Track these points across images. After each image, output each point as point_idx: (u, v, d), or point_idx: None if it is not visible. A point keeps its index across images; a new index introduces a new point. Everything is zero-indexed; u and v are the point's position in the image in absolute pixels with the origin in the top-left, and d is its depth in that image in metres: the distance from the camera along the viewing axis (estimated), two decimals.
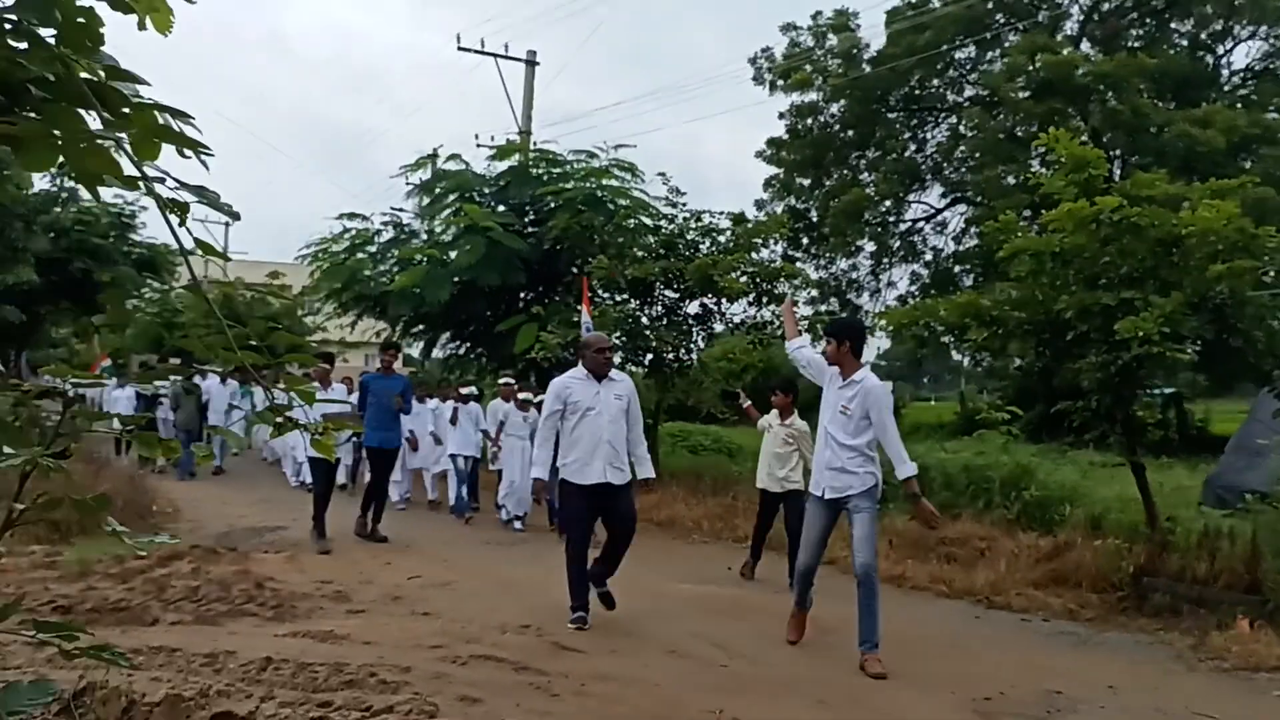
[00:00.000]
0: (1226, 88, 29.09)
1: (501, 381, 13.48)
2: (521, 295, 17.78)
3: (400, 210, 19.57)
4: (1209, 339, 8.06)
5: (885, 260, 32.31)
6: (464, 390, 13.92)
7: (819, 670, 6.58)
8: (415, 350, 23.76)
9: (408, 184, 18.97)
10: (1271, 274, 8.80)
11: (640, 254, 15.01)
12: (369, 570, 8.80)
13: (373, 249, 19.41)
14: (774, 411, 9.51)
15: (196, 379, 16.79)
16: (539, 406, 11.09)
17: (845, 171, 31.17)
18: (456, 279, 16.42)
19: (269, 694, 5.46)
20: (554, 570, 9.72)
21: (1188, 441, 25.32)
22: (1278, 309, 9.16)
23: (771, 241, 16.62)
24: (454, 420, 13.36)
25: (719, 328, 15.81)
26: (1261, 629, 7.55)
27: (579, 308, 13.77)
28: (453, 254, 16.82)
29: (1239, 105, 26.83)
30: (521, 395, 12.53)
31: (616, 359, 16.09)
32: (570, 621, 7.27)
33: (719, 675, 6.40)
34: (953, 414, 33.48)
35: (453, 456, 13.39)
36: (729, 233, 15.50)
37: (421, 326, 19.40)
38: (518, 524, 12.49)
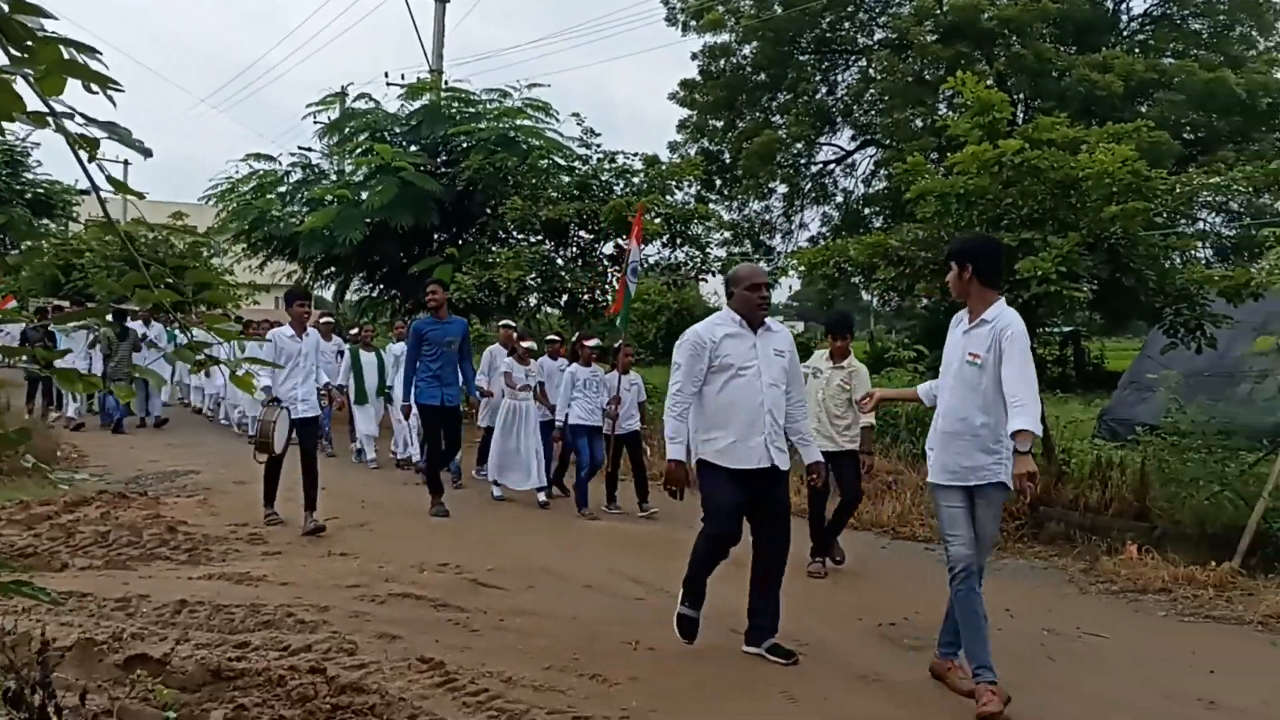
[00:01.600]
0: (1125, 33, 29.73)
1: (503, 324, 11.66)
2: (435, 236, 17.59)
3: (309, 150, 19.20)
4: (1104, 278, 8.37)
5: (797, 202, 32.57)
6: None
7: (735, 601, 6.76)
8: (328, 293, 23.38)
9: (316, 123, 18.57)
10: (1163, 216, 9.15)
11: (555, 195, 14.95)
12: (285, 512, 8.76)
13: (282, 189, 18.97)
14: (820, 354, 8.06)
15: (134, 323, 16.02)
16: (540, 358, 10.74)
17: (758, 114, 31.20)
18: (369, 220, 16.19)
19: (184, 636, 5.46)
20: (476, 511, 9.85)
21: (1084, 378, 26.26)
22: (1169, 249, 9.54)
23: (685, 183, 16.70)
24: None
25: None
26: (1148, 553, 7.97)
27: (626, 243, 11.94)
28: (364, 195, 16.54)
29: (1137, 51, 27.48)
30: (525, 344, 10.72)
31: (532, 300, 16.12)
32: (680, 630, 5.76)
33: (637, 609, 6.56)
34: (863, 353, 34.12)
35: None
36: (643, 175, 15.51)
37: (333, 269, 19.10)
38: (542, 496, 10.31)
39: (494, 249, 15.17)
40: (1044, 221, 8.74)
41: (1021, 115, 25.11)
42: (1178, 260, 9.97)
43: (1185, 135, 25.06)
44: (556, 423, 10.36)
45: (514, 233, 16.04)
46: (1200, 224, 21.41)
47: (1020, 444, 4.60)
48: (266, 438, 8.18)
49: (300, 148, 20.63)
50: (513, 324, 11.75)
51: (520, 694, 4.81)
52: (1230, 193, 9.72)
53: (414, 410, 10.60)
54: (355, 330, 14.07)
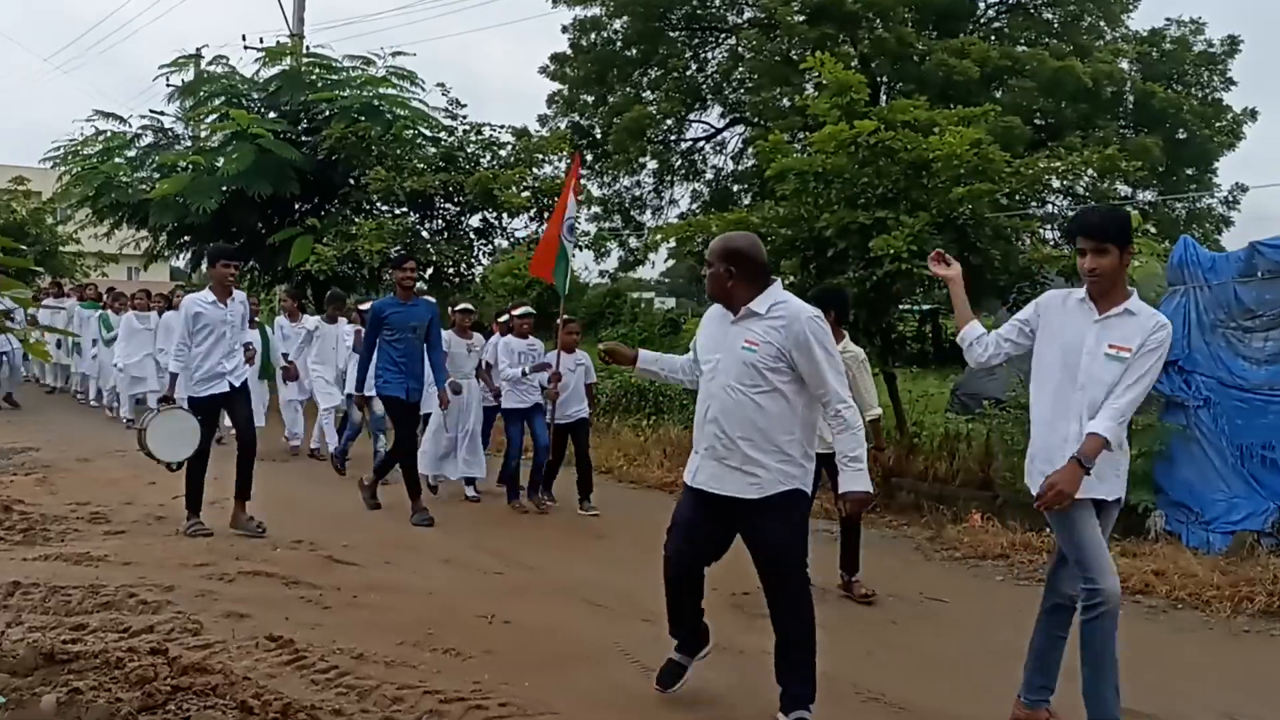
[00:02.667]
0: (982, 20, 30.72)
1: (461, 309, 9.55)
2: (295, 206, 17.08)
3: (161, 114, 18.34)
4: (953, 257, 8.66)
5: (667, 178, 32.75)
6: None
7: (593, 574, 6.84)
8: (181, 262, 22.48)
9: (169, 86, 17.77)
10: (1011, 198, 9.53)
11: (420, 166, 14.68)
12: (130, 490, 8.45)
13: (131, 154, 18.10)
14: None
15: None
16: (484, 332, 9.60)
17: (628, 89, 31.21)
18: (224, 188, 15.61)
19: (16, 619, 5.25)
20: (330, 488, 9.65)
21: (941, 354, 27.19)
22: (1017, 230, 9.94)
23: (555, 158, 16.61)
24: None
25: (501, 243, 15.75)
26: (990, 521, 8.33)
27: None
28: (219, 162, 15.93)
29: (993, 38, 28.46)
30: (461, 307, 9.51)
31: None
32: (658, 676, 4.75)
33: (494, 582, 6.56)
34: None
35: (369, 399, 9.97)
36: (510, 147, 15.36)
37: (187, 238, 18.34)
38: (471, 490, 9.48)
39: (357, 220, 14.81)
40: (897, 201, 9.00)
41: (884, 97, 25.75)
42: (1027, 241, 10.40)
43: (1036, 121, 26.08)
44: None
45: (377, 204, 15.70)
46: (1050, 207, 22.38)
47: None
48: (143, 447, 7.14)
49: (152, 110, 19.74)
50: (470, 308, 9.78)
51: (371, 670, 4.76)
52: (1074, 177, 10.16)
53: (344, 400, 10.71)
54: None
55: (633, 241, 31.04)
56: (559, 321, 9.18)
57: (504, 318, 9.72)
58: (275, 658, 4.88)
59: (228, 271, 7.53)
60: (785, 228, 9.54)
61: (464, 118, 15.78)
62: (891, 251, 8.14)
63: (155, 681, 4.44)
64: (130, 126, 18.14)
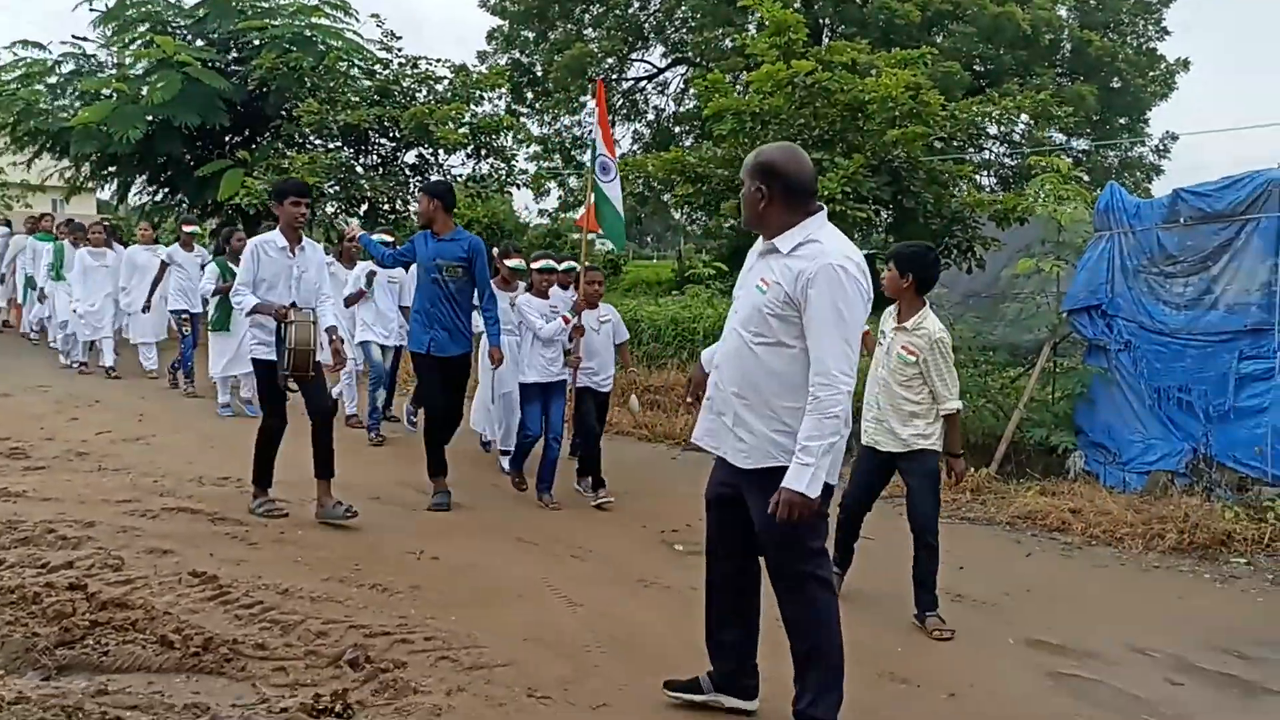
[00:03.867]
0: None
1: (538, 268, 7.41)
2: (225, 138, 16.62)
3: (83, 40, 17.66)
4: (887, 199, 8.73)
5: (609, 118, 32.46)
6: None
7: (522, 513, 6.85)
8: (106, 193, 21.82)
9: (91, 10, 17.09)
10: (946, 142, 9.60)
11: (354, 100, 14.35)
12: (52, 426, 8.27)
13: (52, 81, 17.44)
14: (890, 311, 5.24)
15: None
16: (528, 282, 7.46)
17: (570, 26, 30.75)
18: (150, 117, 15.11)
19: None
20: (253, 425, 9.51)
21: (880, 298, 27.37)
22: (955, 175, 10.01)
23: (494, 94, 16.34)
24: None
25: (436, 179, 15.47)
26: None
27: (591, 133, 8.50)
28: (144, 90, 15.41)
29: None
30: (511, 263, 7.93)
31: (329, 209, 15.53)
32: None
33: (423, 519, 6.55)
34: (670, 271, 34.63)
35: (364, 344, 9.28)
36: (447, 82, 15.07)
37: (113, 168, 17.78)
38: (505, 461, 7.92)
39: (289, 154, 14.45)
40: (833, 143, 9.02)
41: (826, 39, 25.66)
42: (963, 186, 10.49)
43: (975, 67, 26.18)
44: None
45: (310, 137, 15.33)
46: (986, 153, 22.60)
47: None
48: (306, 344, 6.02)
49: (75, 36, 18.99)
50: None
51: (296, 605, 4.74)
52: (1009, 123, 10.25)
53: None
54: (185, 230, 11.62)
55: (573, 181, 30.77)
56: (583, 268, 7.50)
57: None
58: (198, 593, 4.84)
59: (298, 211, 6.21)
60: (723, 168, 9.52)
61: (399, 50, 15.42)
62: (825, 193, 8.15)
63: (73, 617, 4.39)
64: (50, 53, 17.48)
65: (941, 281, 11.62)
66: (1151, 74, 27.56)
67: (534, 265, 7.35)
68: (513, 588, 5.24)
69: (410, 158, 15.27)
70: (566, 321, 7.09)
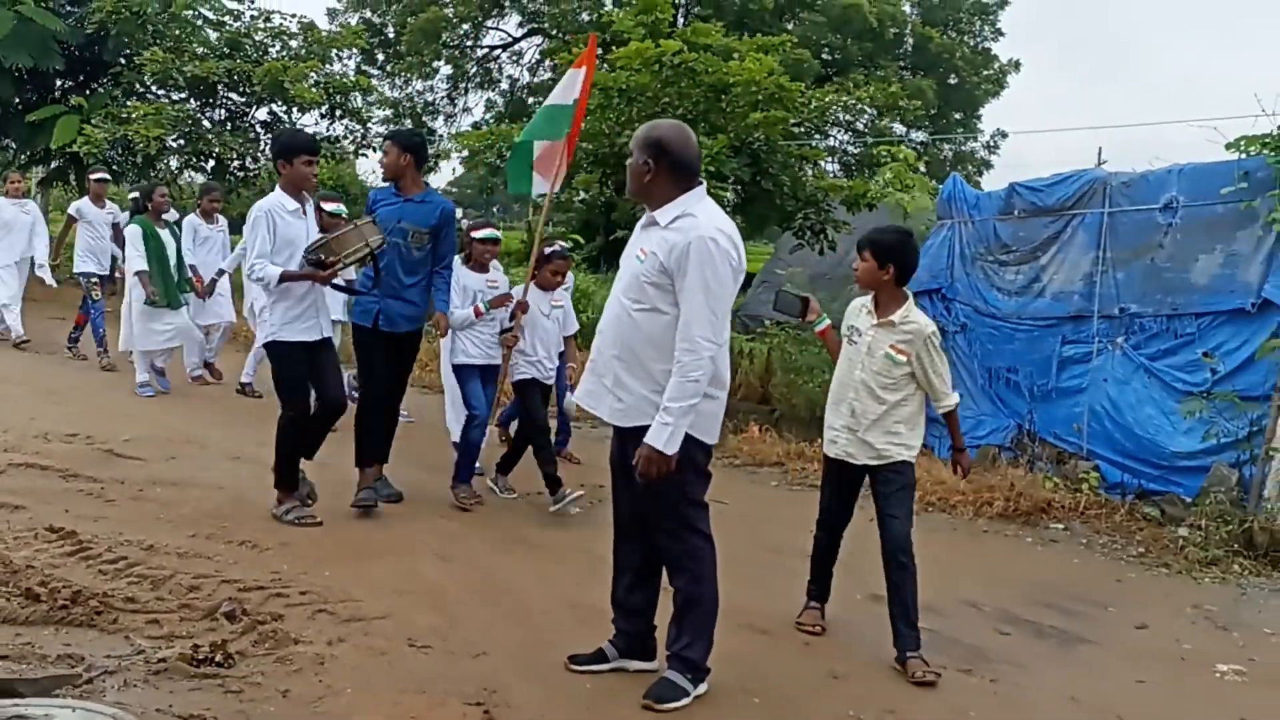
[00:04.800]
0: None
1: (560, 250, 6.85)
2: (58, 83, 15.76)
3: None
4: (746, 180, 9.05)
5: (462, 85, 32.06)
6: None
7: (392, 471, 6.85)
8: None
9: None
10: (801, 127, 10.00)
11: (202, 51, 13.84)
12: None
13: None
14: (860, 303, 4.64)
15: None
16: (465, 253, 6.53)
17: None
18: None
19: None
20: (95, 377, 9.20)
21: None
22: (803, 159, 10.43)
23: (345, 54, 16.02)
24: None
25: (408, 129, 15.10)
26: (768, 432, 8.88)
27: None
28: None
29: None
30: (481, 234, 6.62)
31: (173, 163, 14.93)
32: None
33: None
34: (519, 242, 34.53)
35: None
36: (301, 39, 14.68)
37: None
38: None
39: (129, 103, 13.82)
40: (697, 123, 9.25)
41: (681, 20, 26.01)
42: (810, 172, 10.92)
43: (824, 56, 27.03)
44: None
45: (152, 88, 14.72)
46: (831, 140, 23.40)
47: None
48: (364, 237, 5.40)
49: None
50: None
51: (163, 560, 4.71)
52: (857, 112, 10.72)
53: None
54: (134, 195, 9.64)
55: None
56: (549, 251, 6.62)
57: None
58: (57, 549, 4.75)
59: (311, 170, 5.62)
60: (586, 141, 9.63)
61: (251, 2, 14.95)
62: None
63: None
64: None
65: (791, 263, 12.15)
66: (985, 72, 29.00)
67: (475, 234, 6.56)
68: (385, 544, 5.31)
69: (261, 114, 14.86)
70: (479, 314, 6.25)
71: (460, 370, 6.42)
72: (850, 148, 26.67)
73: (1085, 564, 6.38)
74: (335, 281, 5.58)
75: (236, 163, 14.11)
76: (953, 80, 28.41)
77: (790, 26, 26.02)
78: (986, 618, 5.21)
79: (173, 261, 8.65)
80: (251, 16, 14.85)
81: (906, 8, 28.61)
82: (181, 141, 13.77)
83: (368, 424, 5.99)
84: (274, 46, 14.58)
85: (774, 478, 8.01)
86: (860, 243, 4.57)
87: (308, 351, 5.54)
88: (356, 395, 6.44)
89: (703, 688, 3.80)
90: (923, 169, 12.40)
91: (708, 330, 3.52)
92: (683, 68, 8.97)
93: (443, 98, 32.47)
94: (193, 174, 14.52)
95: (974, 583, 5.71)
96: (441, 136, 30.90)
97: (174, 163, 14.94)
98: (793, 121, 9.31)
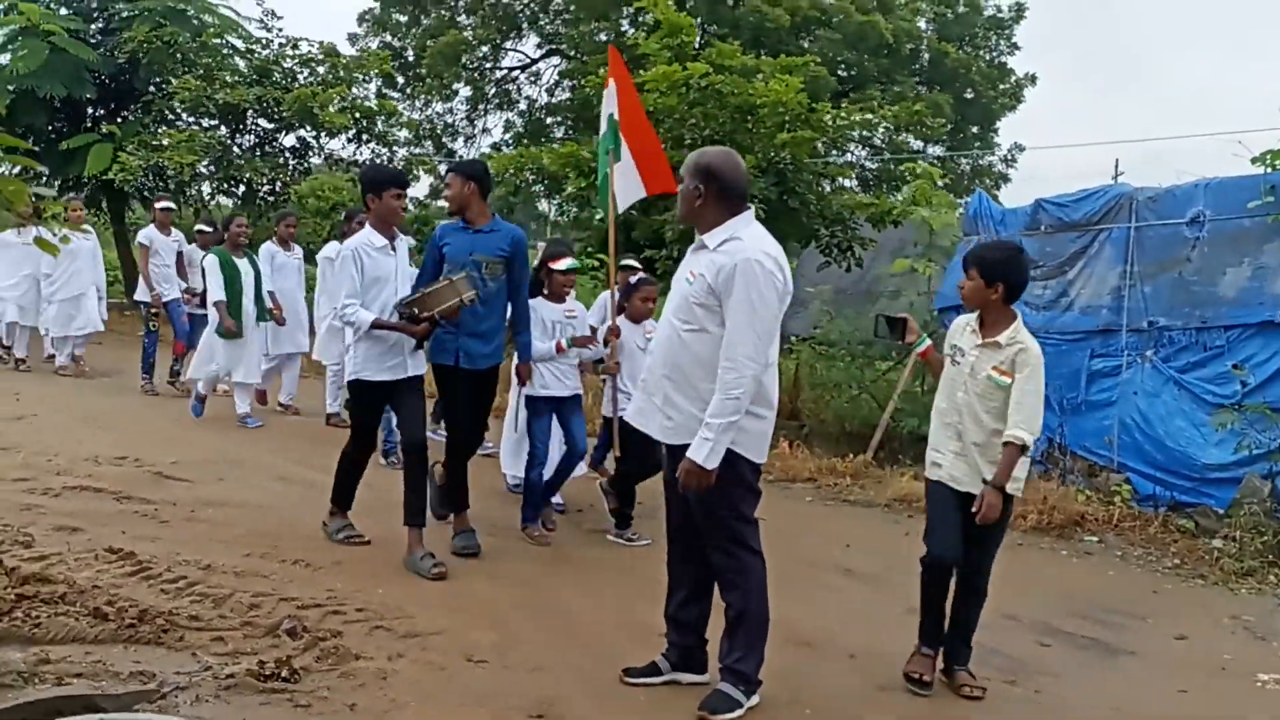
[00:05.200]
0: None
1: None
2: (89, 111, 16.04)
3: None
4: (773, 199, 9.16)
5: (481, 106, 32.31)
6: None
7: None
8: None
9: None
10: (823, 146, 10.11)
11: (232, 79, 14.09)
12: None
13: None
14: (963, 320, 4.41)
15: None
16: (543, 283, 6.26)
17: (443, 11, 30.50)
18: (11, 87, 14.48)
19: None
20: (145, 404, 9.38)
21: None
22: (825, 177, 10.55)
23: (365, 78, 16.22)
24: None
25: (316, 161, 15.31)
26: (798, 448, 8.95)
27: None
28: (5, 58, 14.75)
29: None
30: (561, 265, 6.26)
31: (205, 188, 15.14)
32: None
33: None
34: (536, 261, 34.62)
35: None
36: (329, 65, 14.91)
37: None
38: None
39: (163, 131, 14.06)
40: (724, 143, 9.38)
41: (698, 40, 26.18)
42: (828, 188, 11.04)
43: (840, 73, 27.13)
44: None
45: (183, 115, 14.96)
46: (849, 156, 23.48)
47: None
48: (458, 293, 5.22)
49: None
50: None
51: (221, 579, 4.82)
52: (877, 129, 10.83)
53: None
54: (208, 229, 10.15)
55: (443, 169, 30.56)
56: (634, 281, 6.58)
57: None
58: (118, 569, 4.86)
59: (400, 204, 5.54)
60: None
61: (279, 30, 15.18)
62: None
63: None
64: None
65: (816, 280, 12.22)
66: (1002, 86, 29.05)
67: (554, 265, 6.22)
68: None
69: (289, 140, 15.08)
70: (560, 350, 6.03)
71: (534, 403, 6.12)
72: (868, 163, 26.76)
73: (1121, 576, 6.44)
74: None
75: (266, 188, 14.32)
76: (969, 94, 28.46)
77: (806, 44, 26.13)
78: (1027, 630, 5.28)
79: (250, 292, 8.68)
80: (280, 44, 15.10)
81: (922, 23, 28.69)
82: (212, 168, 13.98)
83: (460, 471, 5.79)
84: (302, 73, 14.82)
85: (807, 493, 8.10)
86: (966, 259, 4.37)
87: (390, 390, 5.44)
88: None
89: (755, 699, 3.90)
90: (944, 184, 12.46)
91: (750, 349, 3.63)
92: (709, 90, 9.11)
93: (462, 119, 32.74)
94: (223, 198, 14.74)
95: (1012, 595, 5.75)
96: (461, 157, 31.19)
97: (205, 188, 15.17)
98: (819, 140, 9.43)
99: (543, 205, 27.68)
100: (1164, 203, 7.96)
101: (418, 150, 30.65)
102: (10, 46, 14.92)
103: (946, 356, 4.41)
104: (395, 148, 15.52)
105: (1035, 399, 4.14)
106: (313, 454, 7.80)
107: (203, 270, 8.90)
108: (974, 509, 4.11)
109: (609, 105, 6.55)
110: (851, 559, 6.24)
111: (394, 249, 5.47)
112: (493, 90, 32.11)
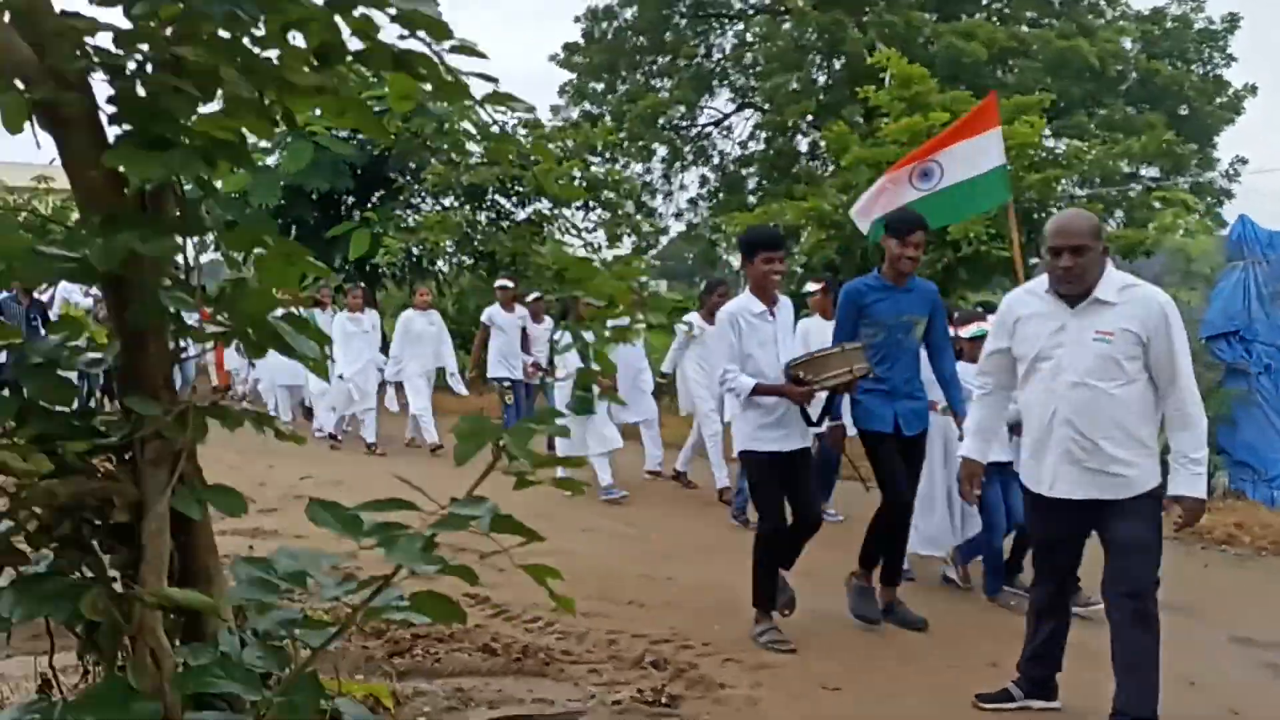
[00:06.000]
0: (985, 3, 31.19)
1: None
2: (345, 201, 17.56)
3: None
4: (1024, 243, 9.26)
5: (677, 164, 33.20)
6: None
7: (717, 534, 7.39)
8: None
9: None
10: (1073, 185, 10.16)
11: (477, 162, 15.21)
12: (265, 473, 8.91)
13: None
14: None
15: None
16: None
17: (639, 77, 31.66)
18: (282, 184, 16.03)
19: None
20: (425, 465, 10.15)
21: None
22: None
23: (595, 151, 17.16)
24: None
25: (552, 230, 16.25)
26: None
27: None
28: (271, 159, 16.34)
29: (996, 20, 28.96)
30: (968, 331, 6.36)
31: (444, 264, 16.26)
32: None
33: (637, 546, 7.09)
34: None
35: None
36: (565, 141, 15.89)
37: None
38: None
39: (416, 212, 15.29)
40: None
41: (888, 80, 26.22)
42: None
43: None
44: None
45: (427, 197, 16.20)
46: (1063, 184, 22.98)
47: None
48: (849, 363, 5.08)
49: None
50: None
51: (571, 620, 5.17)
52: (1121, 160, 10.78)
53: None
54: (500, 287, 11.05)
55: (644, 227, 31.53)
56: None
57: None
58: (480, 611, 5.32)
59: (771, 269, 5.23)
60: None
61: (514, 113, 16.22)
62: (970, 235, 8.72)
63: (389, 631, 5.00)
64: None
65: None
66: (1219, 100, 27.85)
67: (963, 332, 6.28)
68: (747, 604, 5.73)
69: (522, 214, 16.07)
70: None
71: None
72: (1077, 191, 26.04)
73: None
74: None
75: (509, 259, 15.30)
76: (1183, 111, 27.40)
77: (1004, 75, 25.80)
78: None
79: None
80: (524, 125, 16.17)
81: (1127, 43, 27.86)
82: (458, 243, 15.08)
83: (902, 538, 5.63)
84: (527, 144, 15.81)
85: None
86: None
87: (782, 462, 5.23)
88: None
89: None
90: (1200, 208, 12.11)
91: (1194, 383, 3.93)
92: None
93: (659, 177, 33.70)
94: (467, 273, 15.80)
95: None
96: (660, 214, 32.11)
97: (443, 265, 16.31)
98: (1067, 178, 9.50)
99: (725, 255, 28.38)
100: None
101: (620, 211, 31.91)
102: (279, 147, 16.50)
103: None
104: (621, 211, 16.27)
105: None
106: (609, 509, 8.34)
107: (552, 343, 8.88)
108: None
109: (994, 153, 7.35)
110: (1161, 592, 6.23)
111: (773, 315, 5.27)
112: (688, 148, 32.96)
